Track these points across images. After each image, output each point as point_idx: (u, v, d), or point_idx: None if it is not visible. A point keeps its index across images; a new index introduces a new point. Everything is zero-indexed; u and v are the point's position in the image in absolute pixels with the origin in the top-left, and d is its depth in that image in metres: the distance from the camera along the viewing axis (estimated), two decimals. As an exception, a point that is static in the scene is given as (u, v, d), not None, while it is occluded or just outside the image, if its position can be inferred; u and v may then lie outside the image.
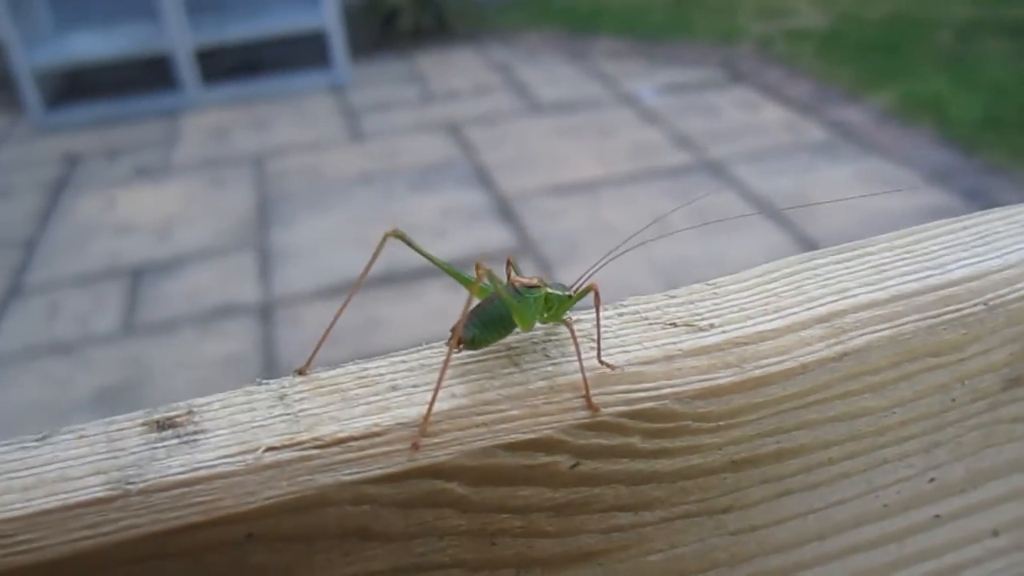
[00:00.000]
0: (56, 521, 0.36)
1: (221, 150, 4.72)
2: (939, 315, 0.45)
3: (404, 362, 0.43)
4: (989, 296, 0.46)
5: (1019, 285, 0.47)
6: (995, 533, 0.57)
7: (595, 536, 0.44)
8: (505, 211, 3.82)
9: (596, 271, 0.50)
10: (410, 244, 0.51)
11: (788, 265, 0.48)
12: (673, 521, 0.46)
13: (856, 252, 0.49)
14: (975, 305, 0.46)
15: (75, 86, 5.61)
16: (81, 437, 0.39)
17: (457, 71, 5.63)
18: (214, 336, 3.22)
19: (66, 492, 0.36)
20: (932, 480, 0.52)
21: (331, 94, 5.42)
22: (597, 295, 0.48)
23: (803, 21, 5.91)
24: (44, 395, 2.96)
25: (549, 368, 0.42)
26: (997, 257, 0.48)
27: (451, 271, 0.52)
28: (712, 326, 0.44)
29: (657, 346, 0.43)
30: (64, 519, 0.36)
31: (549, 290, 0.50)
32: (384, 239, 0.50)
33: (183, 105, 5.30)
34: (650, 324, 0.45)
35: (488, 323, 0.46)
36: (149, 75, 5.53)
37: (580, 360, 0.42)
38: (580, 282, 0.53)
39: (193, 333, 3.26)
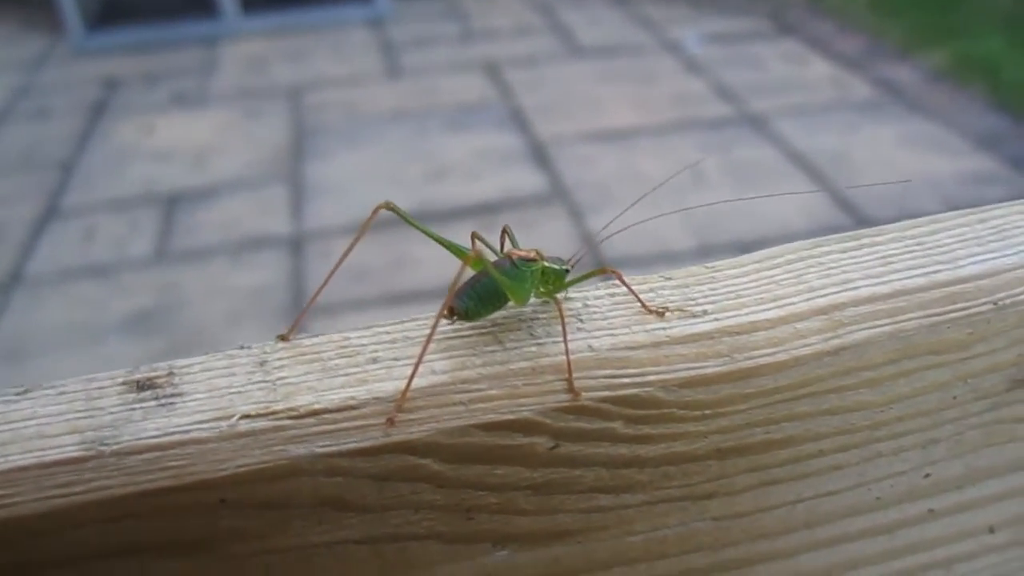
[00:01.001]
0: (30, 478, 0.36)
1: (258, 80, 4.70)
2: (944, 313, 0.43)
3: (387, 333, 0.42)
4: (1000, 295, 0.44)
5: (1033, 285, 0.45)
6: (991, 530, 0.56)
7: (574, 515, 0.44)
8: (539, 155, 3.78)
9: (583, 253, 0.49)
10: (402, 216, 0.50)
11: (792, 251, 0.46)
12: (655, 505, 0.45)
13: (864, 241, 0.47)
14: (983, 304, 0.44)
15: (114, 9, 5.60)
16: (61, 393, 0.39)
17: (499, 10, 5.53)
18: (245, 266, 3.25)
19: (42, 450, 0.37)
20: (927, 476, 0.51)
21: (371, 28, 5.36)
22: (616, 273, 0.47)
23: (859, -29, 5.70)
24: (78, 317, 3.02)
25: (533, 348, 0.41)
26: (1013, 254, 0.46)
27: (444, 242, 0.51)
28: (705, 312, 0.43)
29: (646, 331, 0.42)
30: (38, 476, 0.36)
31: (546, 264, 0.49)
32: (375, 211, 0.49)
33: (222, 33, 5.28)
34: (641, 307, 0.43)
35: (483, 295, 0.46)
36: (188, 1, 5.50)
37: (566, 341, 0.41)
38: (578, 254, 0.52)
39: (225, 262, 3.29)
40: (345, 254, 0.49)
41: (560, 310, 0.42)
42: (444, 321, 0.44)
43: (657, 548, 0.47)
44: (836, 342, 0.42)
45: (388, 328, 0.42)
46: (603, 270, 0.48)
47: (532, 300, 0.48)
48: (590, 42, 4.89)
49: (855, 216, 3.19)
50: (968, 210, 0.49)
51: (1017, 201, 0.50)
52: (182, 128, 4.23)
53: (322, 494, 0.39)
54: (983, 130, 3.78)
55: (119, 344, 2.85)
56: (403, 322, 0.43)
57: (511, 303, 0.47)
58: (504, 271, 0.48)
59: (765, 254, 0.46)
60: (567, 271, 0.50)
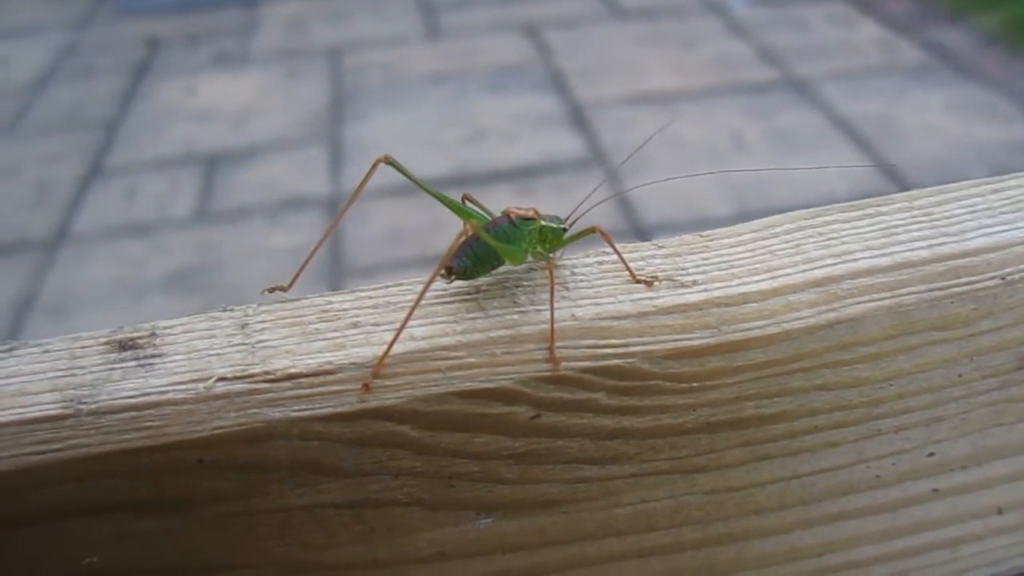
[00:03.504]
0: (10, 434, 0.36)
1: (298, 41, 4.70)
2: (947, 287, 0.42)
3: (370, 298, 0.42)
4: (1008, 270, 0.42)
5: (1044, 259, 0.43)
6: (999, 511, 0.54)
7: (559, 486, 0.43)
8: (578, 119, 3.74)
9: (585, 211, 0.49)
10: (401, 170, 0.50)
11: (791, 220, 0.45)
12: (643, 477, 0.44)
13: (868, 211, 0.45)
14: (991, 279, 0.42)
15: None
16: (46, 351, 0.40)
17: (541, -30, 5.44)
18: (283, 227, 3.28)
19: (22, 407, 0.37)
20: (931, 455, 0.49)
21: (411, -12, 5.31)
22: (604, 234, 0.47)
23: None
24: (120, 274, 3.08)
25: (515, 316, 0.41)
26: (1026, 227, 0.44)
27: (444, 199, 0.50)
28: (695, 282, 0.42)
29: (632, 301, 0.41)
30: (18, 433, 0.37)
31: (544, 223, 0.49)
32: (375, 165, 0.49)
33: (264, -8, 5.27)
34: (630, 276, 0.42)
35: (481, 254, 0.45)
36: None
37: (552, 308, 0.40)
38: (575, 216, 0.51)
39: (263, 223, 3.32)
40: (344, 208, 0.49)
41: (551, 275, 0.42)
42: (433, 286, 0.43)
43: (646, 521, 0.47)
44: (831, 315, 0.41)
45: (371, 293, 0.42)
46: (593, 229, 0.47)
47: (529, 260, 0.47)
48: (632, 3, 4.80)
49: (899, 184, 3.11)
50: (983, 180, 0.47)
51: (1036, 171, 0.47)
52: (223, 89, 4.25)
53: (299, 457, 0.39)
54: (1037, 97, 3.65)
55: (160, 302, 2.90)
56: (387, 287, 0.43)
57: (508, 263, 0.46)
58: (502, 229, 0.48)
59: (763, 223, 0.45)
60: (565, 230, 0.49)
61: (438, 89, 4.08)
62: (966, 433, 0.49)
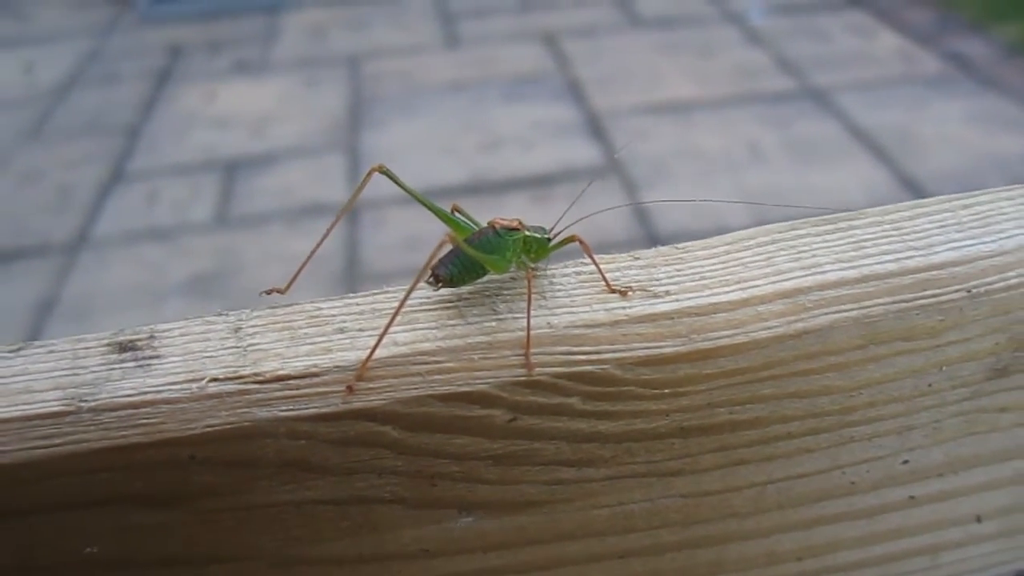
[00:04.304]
0: (15, 429, 0.39)
1: (318, 49, 4.75)
2: (913, 299, 0.43)
3: (357, 304, 0.44)
4: (973, 283, 0.44)
5: (1009, 273, 0.44)
6: (978, 519, 0.56)
7: (537, 487, 0.45)
8: (595, 128, 3.76)
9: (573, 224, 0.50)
10: (394, 180, 0.52)
11: (765, 234, 0.46)
12: (619, 480, 0.46)
13: (840, 225, 0.47)
14: (955, 291, 0.43)
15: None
16: (51, 352, 0.42)
17: (560, -22, 5.47)
18: (301, 233, 3.31)
19: (27, 403, 0.39)
20: (906, 462, 0.51)
21: (431, -4, 5.36)
22: (583, 243, 0.49)
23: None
24: (140, 278, 3.12)
25: (492, 323, 0.42)
26: (992, 241, 0.45)
27: (434, 208, 0.52)
28: (668, 293, 0.43)
29: (606, 310, 0.42)
30: (23, 428, 0.39)
31: (528, 233, 0.51)
32: (369, 174, 0.51)
33: (284, 1, 5.33)
34: (605, 286, 0.44)
35: (467, 263, 0.47)
36: (254, -32, 5.56)
37: (528, 315, 0.42)
38: (557, 228, 0.52)
39: (282, 229, 3.36)
40: (340, 215, 0.51)
41: (529, 283, 0.43)
42: (415, 293, 0.45)
43: (624, 522, 0.48)
44: (799, 325, 0.42)
45: (358, 300, 0.44)
46: (572, 238, 0.49)
47: (512, 269, 0.49)
48: (650, 12, 4.82)
49: (918, 194, 3.10)
50: (955, 195, 0.48)
51: (1006, 187, 0.49)
52: (243, 96, 4.30)
53: (286, 456, 0.41)
54: (1059, 108, 3.62)
55: (178, 306, 2.95)
56: (374, 294, 0.45)
57: (491, 272, 0.48)
58: (487, 239, 0.49)
59: (738, 235, 0.46)
60: (549, 240, 0.51)
61: (456, 97, 4.12)
62: (939, 442, 0.50)
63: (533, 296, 0.43)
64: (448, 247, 0.47)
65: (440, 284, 0.47)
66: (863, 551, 0.55)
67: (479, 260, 0.47)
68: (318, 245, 0.55)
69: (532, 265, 0.48)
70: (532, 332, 0.41)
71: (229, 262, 3.20)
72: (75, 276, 3.10)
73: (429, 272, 0.46)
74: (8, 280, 3.13)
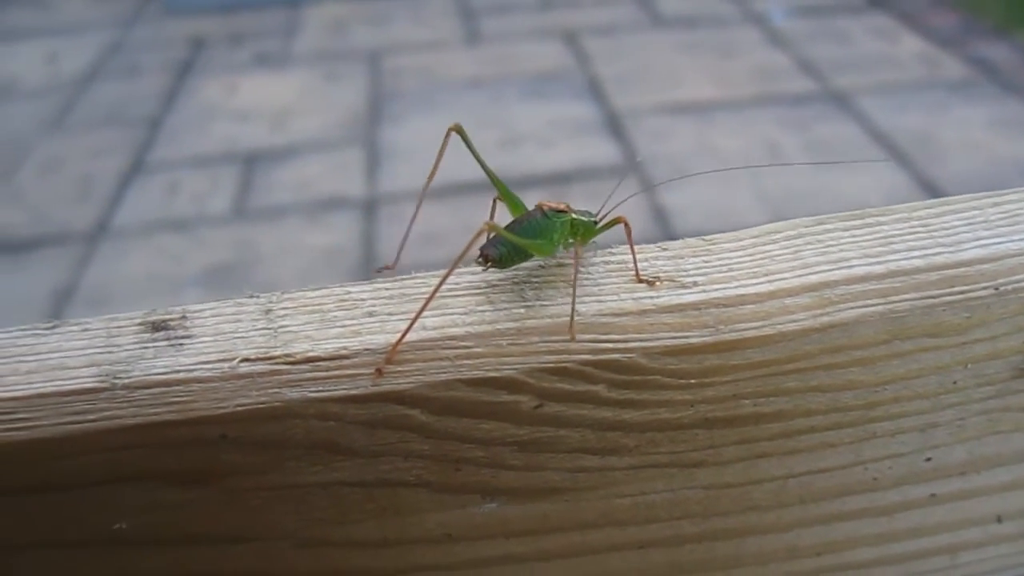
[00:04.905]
0: (50, 404, 0.39)
1: (339, 43, 4.77)
2: (940, 296, 0.43)
3: (387, 289, 0.44)
4: (1001, 281, 0.44)
5: (1038, 272, 0.44)
6: (999, 519, 0.55)
7: (561, 474, 0.45)
8: (614, 127, 3.75)
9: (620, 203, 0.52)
10: (466, 141, 0.54)
11: (792, 227, 0.47)
12: (642, 469, 0.46)
13: (868, 220, 0.47)
14: (983, 289, 0.43)
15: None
16: (85, 330, 0.43)
17: (582, -24, 5.47)
18: (319, 226, 3.33)
19: (62, 379, 0.40)
20: (929, 459, 0.51)
21: (452, -8, 5.36)
22: (627, 226, 0.49)
23: (963, -57, 5.44)
24: (158, 268, 3.15)
25: (521, 310, 0.43)
26: (1020, 239, 0.45)
27: (496, 182, 0.54)
28: (695, 283, 0.43)
29: (634, 299, 0.43)
30: (58, 403, 0.39)
31: (575, 215, 0.51)
32: (448, 133, 0.53)
33: (307, -6, 5.36)
34: (634, 275, 0.44)
35: (517, 244, 0.48)
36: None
37: (574, 292, 0.43)
38: (605, 212, 0.53)
39: (299, 222, 3.38)
40: (430, 178, 0.55)
41: (576, 260, 0.44)
42: (452, 279, 0.46)
43: (646, 512, 0.48)
44: (825, 319, 0.43)
45: (388, 284, 0.45)
46: (619, 220, 0.50)
47: (560, 252, 0.50)
48: (672, 12, 4.81)
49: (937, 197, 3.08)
50: (984, 193, 0.48)
51: (1037, 186, 0.49)
52: (264, 89, 4.32)
53: (315, 437, 0.41)
54: (1082, 115, 3.59)
55: (195, 296, 2.96)
56: (403, 279, 0.45)
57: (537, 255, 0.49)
58: (535, 222, 0.50)
59: (765, 229, 0.47)
60: (595, 222, 0.52)
61: (476, 94, 4.12)
62: (963, 440, 0.50)
63: (563, 284, 0.43)
64: (485, 236, 0.48)
65: (490, 264, 0.47)
66: (882, 548, 0.55)
67: (526, 242, 0.48)
68: (414, 217, 0.58)
69: (577, 246, 0.49)
70: (560, 319, 0.42)
71: (246, 254, 3.21)
72: (94, 265, 3.13)
73: (478, 253, 0.46)
74: (29, 268, 3.16)
